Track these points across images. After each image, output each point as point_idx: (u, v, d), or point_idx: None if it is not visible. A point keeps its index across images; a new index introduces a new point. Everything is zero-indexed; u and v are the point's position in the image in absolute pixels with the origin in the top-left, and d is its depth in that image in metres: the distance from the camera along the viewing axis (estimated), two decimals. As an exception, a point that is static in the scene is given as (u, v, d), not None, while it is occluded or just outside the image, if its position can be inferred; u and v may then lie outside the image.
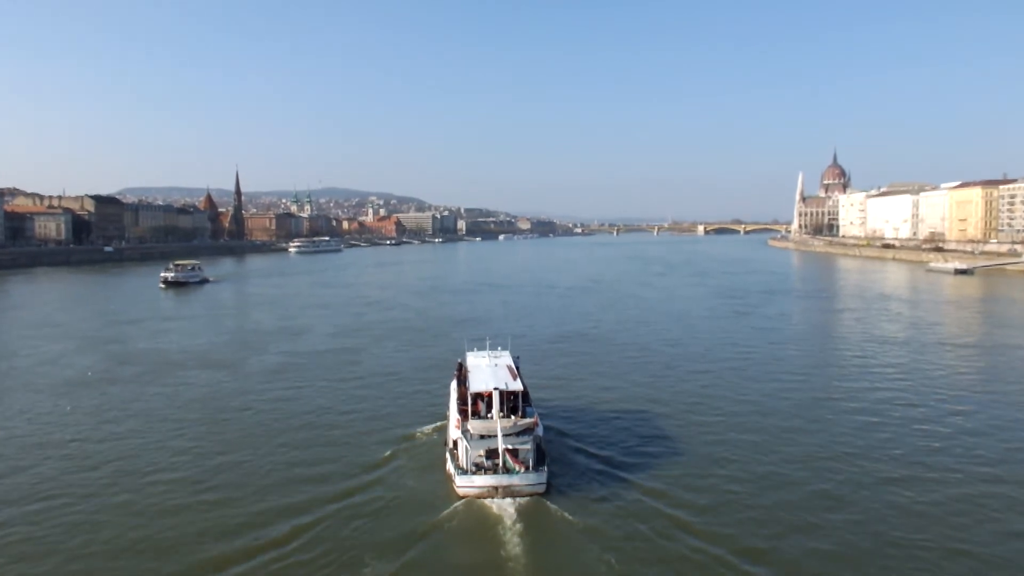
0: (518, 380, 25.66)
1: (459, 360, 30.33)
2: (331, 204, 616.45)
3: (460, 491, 22.38)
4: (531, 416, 24.27)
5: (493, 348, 30.43)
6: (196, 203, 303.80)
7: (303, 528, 20.82)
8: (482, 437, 23.12)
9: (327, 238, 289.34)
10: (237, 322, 64.51)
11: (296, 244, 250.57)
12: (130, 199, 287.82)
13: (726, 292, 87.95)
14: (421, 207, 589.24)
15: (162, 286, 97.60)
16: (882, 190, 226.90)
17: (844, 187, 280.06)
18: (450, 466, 23.52)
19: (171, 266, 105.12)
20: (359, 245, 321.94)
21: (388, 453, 26.64)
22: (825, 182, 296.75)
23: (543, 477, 22.39)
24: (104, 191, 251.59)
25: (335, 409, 33.21)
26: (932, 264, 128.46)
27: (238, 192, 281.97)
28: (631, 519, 21.25)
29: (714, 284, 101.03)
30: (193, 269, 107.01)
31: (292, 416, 32.13)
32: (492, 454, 22.68)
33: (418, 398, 34.96)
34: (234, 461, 26.41)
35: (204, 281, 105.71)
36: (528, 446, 22.85)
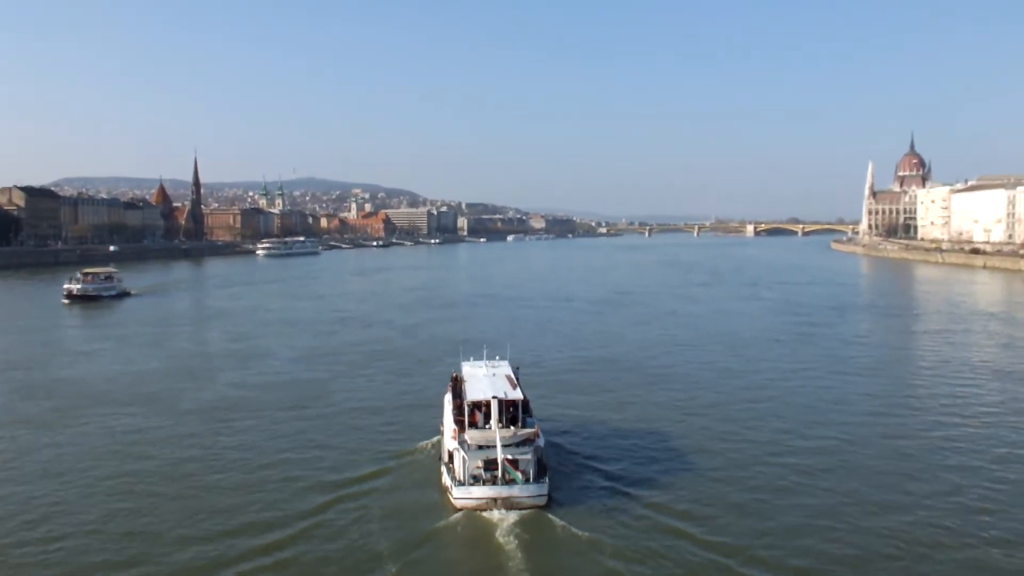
0: (518, 389, 28.38)
1: (453, 372, 32.97)
2: (307, 198, 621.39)
3: (457, 503, 24.94)
4: (531, 426, 26.87)
5: (491, 357, 33.17)
6: (147, 196, 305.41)
7: (277, 545, 22.86)
8: (480, 448, 25.61)
9: (302, 238, 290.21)
10: (174, 346, 62.13)
11: (265, 245, 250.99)
12: (68, 191, 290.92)
13: (784, 308, 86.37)
14: (414, 202, 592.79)
15: (65, 301, 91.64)
16: (970, 183, 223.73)
17: (923, 180, 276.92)
18: (446, 479, 26.08)
19: (78, 275, 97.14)
20: (340, 247, 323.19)
21: (374, 470, 29.09)
22: (900, 174, 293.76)
23: (544, 489, 24.99)
24: (37, 181, 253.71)
25: (294, 447, 33.08)
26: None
27: (196, 183, 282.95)
28: (637, 532, 23.50)
29: (769, 297, 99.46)
30: (107, 279, 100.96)
31: (236, 453, 32.34)
32: (491, 465, 25.17)
33: (397, 432, 35.37)
34: (192, 489, 27.91)
35: (124, 294, 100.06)
36: (528, 457, 25.45)
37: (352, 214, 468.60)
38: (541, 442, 26.59)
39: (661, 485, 27.77)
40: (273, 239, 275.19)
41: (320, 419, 37.65)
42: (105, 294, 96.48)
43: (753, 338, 63.61)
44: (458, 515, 24.61)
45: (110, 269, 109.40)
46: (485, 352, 33.65)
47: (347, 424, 36.75)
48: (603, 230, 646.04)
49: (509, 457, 25.13)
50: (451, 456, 26.29)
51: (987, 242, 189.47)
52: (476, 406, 27.34)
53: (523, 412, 27.36)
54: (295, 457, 31.49)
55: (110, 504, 26.52)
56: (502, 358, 33.27)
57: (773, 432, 34.93)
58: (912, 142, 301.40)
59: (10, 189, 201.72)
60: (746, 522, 24.59)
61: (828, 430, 35.16)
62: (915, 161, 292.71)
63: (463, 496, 24.85)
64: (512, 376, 30.32)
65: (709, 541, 23.04)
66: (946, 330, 68.86)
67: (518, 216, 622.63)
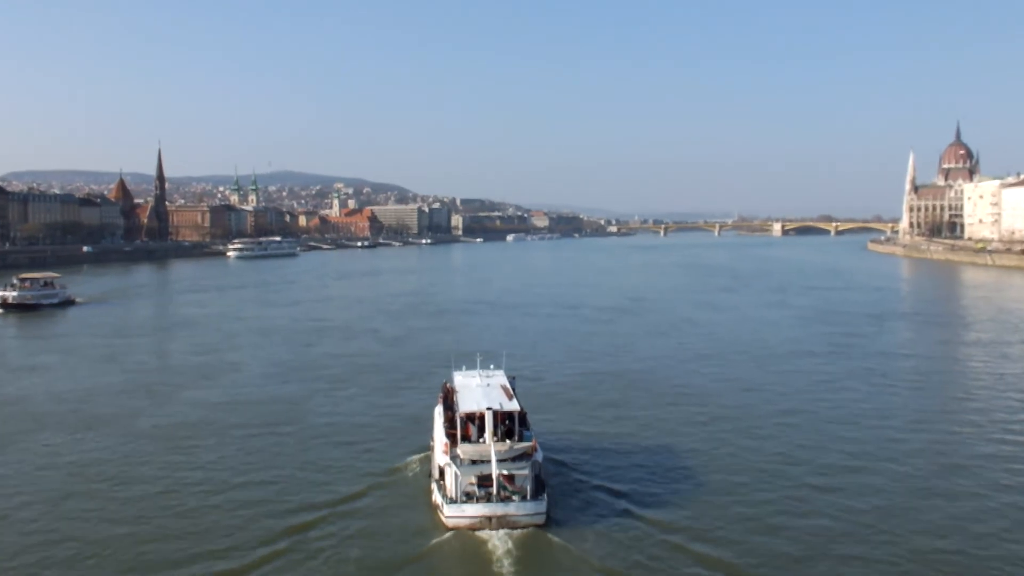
0: (514, 400, 29.31)
1: (445, 381, 34.28)
2: (284, 193, 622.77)
3: (448, 522, 25.75)
4: (529, 440, 27.65)
5: (485, 366, 34.08)
6: (105, 192, 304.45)
7: (242, 571, 23.46)
8: (473, 462, 26.38)
9: (278, 238, 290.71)
10: (130, 360, 61.26)
11: (236, 246, 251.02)
12: (18, 186, 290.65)
13: (817, 316, 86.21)
14: (403, 197, 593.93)
15: None
16: (1022, 177, 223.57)
17: (970, 173, 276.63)
18: (437, 496, 26.90)
19: (14, 282, 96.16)
20: (320, 247, 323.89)
21: (355, 490, 29.78)
22: (944, 166, 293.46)
23: (542, 507, 25.80)
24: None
25: (264, 468, 33.28)
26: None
27: (161, 177, 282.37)
28: (643, 554, 24.25)
29: (800, 305, 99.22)
30: (47, 285, 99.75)
31: (200, 474, 32.52)
32: (485, 481, 25.95)
33: (382, 450, 35.78)
34: (149, 515, 28.11)
35: (68, 303, 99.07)
36: (526, 472, 26.28)
37: (334, 211, 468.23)
38: (539, 457, 27.46)
39: (671, 505, 28.36)
40: (246, 239, 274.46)
41: (294, 439, 37.66)
42: (45, 302, 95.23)
43: (781, 350, 63.41)
44: (449, 535, 25.40)
45: (51, 274, 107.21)
46: (479, 361, 34.36)
47: (325, 443, 36.85)
48: (613, 229, 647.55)
49: (505, 472, 25.85)
50: (442, 472, 27.01)
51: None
52: (469, 418, 28.00)
53: (520, 424, 28.13)
54: (265, 478, 31.66)
55: (54, 539, 26.19)
56: (497, 367, 34.11)
57: (802, 453, 34.98)
58: (958, 131, 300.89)
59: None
60: (768, 547, 25.00)
61: (865, 452, 34.94)
62: (961, 152, 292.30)
63: (455, 514, 25.58)
64: (508, 386, 31.09)
65: (722, 563, 23.61)
66: (999, 341, 68.45)
67: (519, 213, 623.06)
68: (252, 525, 26.82)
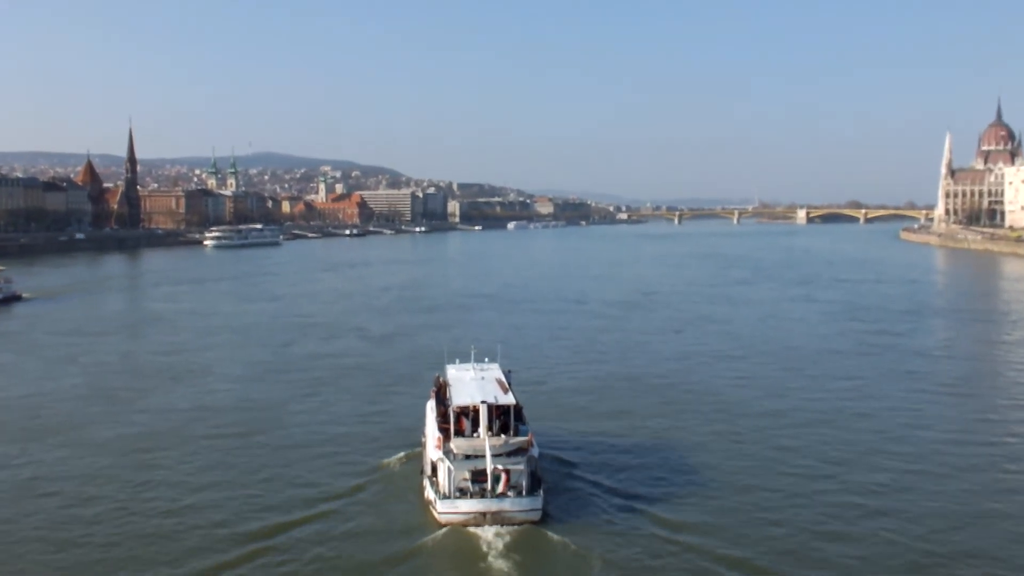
0: (510, 394, 30.63)
1: (437, 375, 35.49)
2: (266, 177, 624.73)
3: (441, 518, 26.83)
4: (525, 435, 28.76)
5: (479, 360, 35.50)
6: (72, 175, 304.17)
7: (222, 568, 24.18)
8: (467, 457, 27.39)
9: (259, 226, 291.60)
10: (88, 362, 60.20)
11: (214, 234, 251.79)
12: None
13: (845, 312, 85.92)
14: (395, 182, 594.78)
15: None
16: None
17: (1012, 156, 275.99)
18: (429, 492, 28.06)
19: None
20: (306, 236, 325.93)
21: (343, 488, 30.76)
22: (984, 148, 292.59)
23: (538, 503, 26.81)
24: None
25: (239, 474, 33.52)
26: None
27: (132, 160, 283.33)
28: (643, 551, 25.22)
29: (827, 299, 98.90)
30: None
31: (165, 473, 33.31)
32: (479, 476, 26.93)
33: (370, 451, 36.13)
34: (114, 520, 28.42)
35: (14, 298, 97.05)
36: (521, 467, 27.19)
37: (320, 196, 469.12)
38: (535, 452, 28.48)
39: (673, 502, 29.41)
40: (224, 227, 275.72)
41: (275, 442, 38.02)
42: None
43: (806, 349, 63.23)
44: (442, 531, 26.56)
45: None
46: (473, 354, 35.74)
47: (308, 445, 37.43)
48: (623, 216, 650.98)
49: (499, 467, 26.84)
50: (435, 468, 28.14)
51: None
52: (463, 412, 29.28)
53: (515, 419, 29.45)
54: (246, 479, 32.43)
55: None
56: (492, 360, 35.78)
57: (818, 455, 35.53)
58: (999, 110, 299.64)
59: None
60: (772, 542, 26.03)
61: (897, 462, 34.66)
62: (1003, 133, 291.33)
63: (448, 510, 26.68)
64: (503, 380, 32.49)
65: (725, 559, 24.62)
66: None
67: (521, 199, 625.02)
68: (235, 524, 27.55)
